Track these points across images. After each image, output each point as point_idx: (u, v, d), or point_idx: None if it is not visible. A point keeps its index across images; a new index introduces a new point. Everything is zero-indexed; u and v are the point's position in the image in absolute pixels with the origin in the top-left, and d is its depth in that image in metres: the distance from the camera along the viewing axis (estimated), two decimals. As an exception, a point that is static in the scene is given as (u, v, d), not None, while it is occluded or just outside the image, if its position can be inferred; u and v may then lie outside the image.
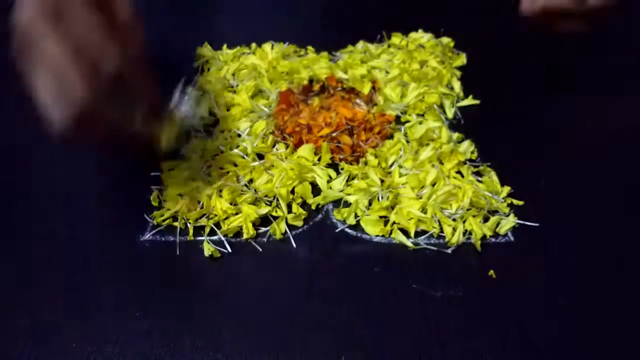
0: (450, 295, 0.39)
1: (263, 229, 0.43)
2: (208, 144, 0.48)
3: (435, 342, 0.36)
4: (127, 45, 0.36)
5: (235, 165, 0.47)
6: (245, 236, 0.42)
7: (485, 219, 0.44)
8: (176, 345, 0.36)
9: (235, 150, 0.48)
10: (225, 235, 0.42)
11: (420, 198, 0.44)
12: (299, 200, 0.45)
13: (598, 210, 0.45)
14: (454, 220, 0.43)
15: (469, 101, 0.54)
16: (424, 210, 0.44)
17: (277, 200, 0.44)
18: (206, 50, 0.60)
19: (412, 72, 0.57)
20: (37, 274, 0.40)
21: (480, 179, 0.46)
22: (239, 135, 0.50)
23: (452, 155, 0.48)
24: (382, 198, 0.45)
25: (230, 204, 0.44)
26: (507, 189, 0.46)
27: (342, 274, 0.41)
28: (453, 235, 0.42)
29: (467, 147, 0.49)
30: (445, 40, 0.63)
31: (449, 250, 0.42)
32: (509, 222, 0.43)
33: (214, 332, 0.37)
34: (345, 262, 0.41)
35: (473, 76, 0.58)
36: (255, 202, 0.45)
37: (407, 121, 0.52)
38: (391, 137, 0.51)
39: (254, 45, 0.61)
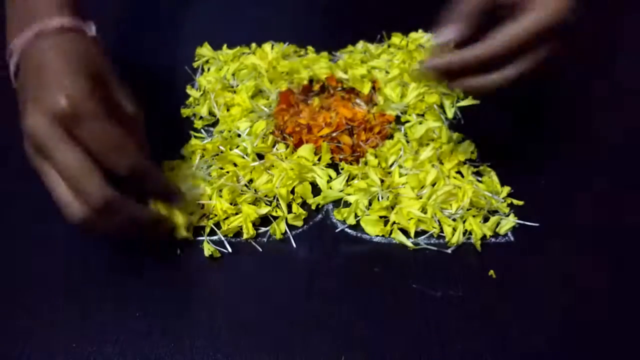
0: (450, 295, 0.39)
1: (263, 229, 0.43)
2: (208, 144, 0.48)
3: (435, 342, 0.36)
4: (137, 142, 0.38)
5: (235, 165, 0.47)
6: (245, 236, 0.42)
7: (485, 219, 0.44)
8: (176, 345, 0.36)
9: (235, 150, 0.48)
10: (225, 235, 0.42)
11: (420, 198, 0.44)
12: (299, 200, 0.45)
13: (598, 210, 0.45)
14: (454, 220, 0.43)
15: (469, 101, 0.54)
16: (424, 210, 0.44)
17: (277, 200, 0.44)
18: (206, 50, 0.60)
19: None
20: (37, 274, 0.41)
21: (480, 179, 0.46)
22: (239, 135, 0.50)
23: (452, 155, 0.48)
24: (382, 198, 0.45)
25: (230, 204, 0.44)
26: (507, 189, 0.46)
27: (342, 274, 0.41)
28: (453, 235, 0.42)
29: (467, 147, 0.49)
30: (445, 40, 0.63)
31: (449, 250, 0.42)
32: (509, 222, 0.43)
33: (214, 332, 0.37)
34: (345, 262, 0.41)
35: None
36: (255, 202, 0.45)
37: (407, 121, 0.52)
38: (391, 137, 0.51)
39: (254, 45, 0.60)
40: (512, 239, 0.43)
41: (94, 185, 0.34)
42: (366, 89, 0.55)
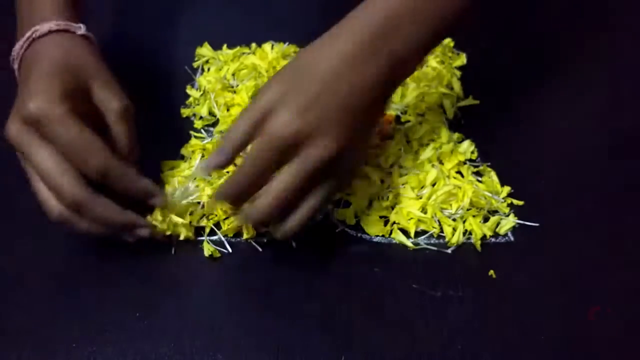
0: (450, 295, 0.39)
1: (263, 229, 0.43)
2: (208, 144, 0.48)
3: (435, 342, 0.36)
4: (116, 142, 0.39)
5: (235, 165, 0.47)
6: (245, 236, 0.42)
7: (485, 219, 0.44)
8: (176, 345, 0.36)
9: (235, 150, 0.48)
10: (225, 235, 0.42)
11: (420, 198, 0.44)
12: (299, 200, 0.45)
13: (598, 210, 0.45)
14: (454, 220, 0.43)
15: (469, 101, 0.54)
16: (424, 210, 0.44)
17: (277, 200, 0.44)
18: (206, 50, 0.60)
19: (412, 72, 0.57)
20: (38, 274, 0.40)
21: (480, 179, 0.46)
22: (239, 135, 0.50)
23: (452, 155, 0.48)
24: (382, 198, 0.45)
25: (230, 204, 0.44)
26: (507, 189, 0.46)
27: (342, 274, 0.41)
28: (453, 235, 0.42)
29: (467, 147, 0.49)
30: (445, 40, 0.63)
31: (449, 250, 0.42)
32: (509, 222, 0.43)
33: (214, 332, 0.37)
34: (345, 262, 0.41)
35: (473, 76, 0.58)
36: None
37: (407, 121, 0.52)
38: (391, 137, 0.51)
39: (254, 45, 0.60)
40: (512, 239, 0.43)
41: (66, 184, 0.36)
42: (366, 89, 0.55)
